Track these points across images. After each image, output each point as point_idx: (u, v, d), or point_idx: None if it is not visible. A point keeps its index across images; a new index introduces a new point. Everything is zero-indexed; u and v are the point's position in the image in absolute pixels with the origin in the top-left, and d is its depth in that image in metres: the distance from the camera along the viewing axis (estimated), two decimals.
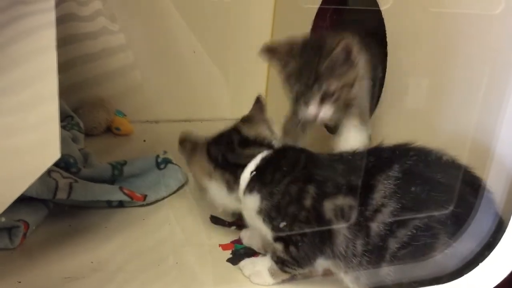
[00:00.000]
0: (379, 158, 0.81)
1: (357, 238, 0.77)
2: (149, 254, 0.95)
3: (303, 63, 1.00)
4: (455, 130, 0.89)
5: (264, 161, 0.88)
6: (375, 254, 0.76)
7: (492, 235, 0.71)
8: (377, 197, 0.76)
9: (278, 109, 1.21)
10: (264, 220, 0.85)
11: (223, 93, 1.69)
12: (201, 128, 1.61)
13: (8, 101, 0.70)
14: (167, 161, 1.22)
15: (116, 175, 1.15)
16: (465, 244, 0.71)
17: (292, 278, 0.88)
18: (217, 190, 0.93)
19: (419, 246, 0.72)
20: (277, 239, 0.85)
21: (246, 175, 0.88)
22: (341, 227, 0.78)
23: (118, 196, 1.07)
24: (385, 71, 1.11)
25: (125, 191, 1.08)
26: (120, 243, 0.97)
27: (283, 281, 0.88)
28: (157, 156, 1.23)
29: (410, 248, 0.73)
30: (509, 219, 0.70)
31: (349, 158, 0.85)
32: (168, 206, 1.13)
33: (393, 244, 0.74)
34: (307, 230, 0.81)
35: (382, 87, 1.12)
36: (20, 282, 0.83)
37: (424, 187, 0.75)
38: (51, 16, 0.72)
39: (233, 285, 0.89)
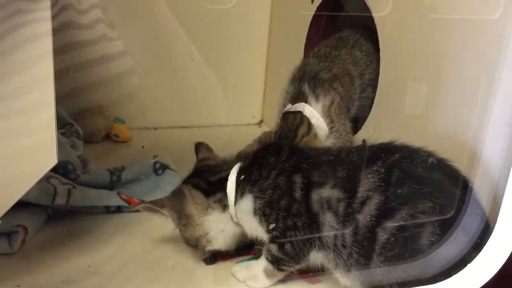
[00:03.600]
0: (362, 154, 0.83)
1: (345, 229, 0.78)
2: (146, 258, 0.96)
3: None
4: (446, 133, 0.90)
5: (247, 163, 0.90)
6: (364, 246, 0.77)
7: (479, 236, 0.72)
8: (363, 190, 0.78)
9: (275, 116, 1.22)
10: (260, 220, 0.86)
11: (221, 100, 1.70)
12: (199, 134, 1.63)
13: (5, 108, 0.71)
14: (164, 167, 1.24)
15: (114, 181, 1.17)
16: (453, 245, 0.72)
17: (287, 277, 0.89)
18: (218, 221, 0.91)
19: (406, 239, 0.74)
20: (272, 239, 0.85)
21: (230, 183, 0.89)
22: (329, 218, 0.80)
23: (116, 201, 1.09)
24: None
25: (123, 196, 1.10)
26: (118, 248, 0.98)
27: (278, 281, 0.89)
28: (155, 162, 1.24)
29: (398, 240, 0.74)
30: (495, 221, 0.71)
31: (335, 153, 0.87)
32: None
33: (381, 236, 0.75)
34: (299, 223, 0.82)
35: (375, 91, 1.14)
36: (19, 286, 0.84)
37: (407, 182, 0.76)
38: (48, 25, 0.74)
39: None
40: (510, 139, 0.75)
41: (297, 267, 0.87)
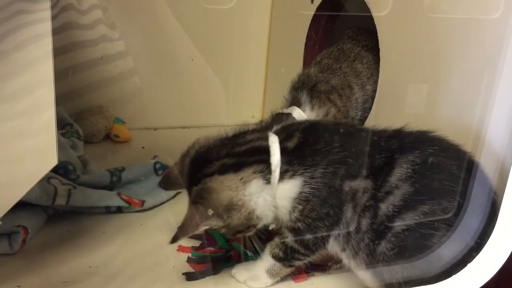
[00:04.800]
0: (402, 141, 0.82)
1: (365, 217, 0.79)
2: (147, 259, 0.96)
3: None
4: (447, 133, 0.90)
5: (296, 142, 0.83)
6: (379, 234, 0.77)
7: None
8: (393, 179, 0.77)
9: None
10: (295, 207, 0.81)
11: (221, 100, 1.70)
12: (200, 134, 1.62)
13: (5, 109, 0.71)
14: (165, 167, 1.24)
15: (114, 181, 1.17)
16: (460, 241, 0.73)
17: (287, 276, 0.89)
18: (259, 193, 0.81)
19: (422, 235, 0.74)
20: (292, 228, 0.82)
21: (276, 157, 0.81)
22: (352, 207, 0.80)
23: (116, 202, 1.09)
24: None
25: (123, 197, 1.10)
26: (118, 248, 0.98)
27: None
28: (155, 163, 1.25)
29: (414, 234, 0.75)
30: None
31: (375, 138, 0.84)
32: (166, 212, 1.14)
33: (397, 226, 0.76)
34: (331, 212, 0.81)
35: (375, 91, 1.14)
36: (19, 286, 0.84)
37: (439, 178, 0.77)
38: (48, 26, 0.74)
39: None
40: None
41: (309, 259, 0.86)
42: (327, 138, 0.83)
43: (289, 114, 1.10)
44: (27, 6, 0.75)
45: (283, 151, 0.82)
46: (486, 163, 0.79)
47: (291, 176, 0.81)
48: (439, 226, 0.74)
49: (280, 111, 1.12)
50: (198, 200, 0.81)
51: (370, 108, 1.18)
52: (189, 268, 0.93)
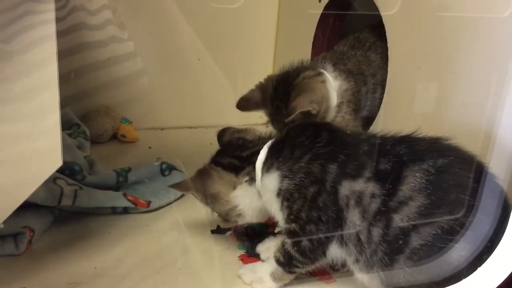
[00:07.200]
0: (412, 148, 0.78)
1: (375, 227, 0.75)
2: (153, 260, 0.95)
3: (274, 111, 1.11)
4: (456, 132, 0.89)
5: (279, 139, 0.87)
6: (393, 246, 0.74)
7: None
8: (406, 189, 0.74)
9: None
10: (282, 204, 0.83)
11: (228, 100, 1.69)
12: (206, 134, 1.62)
13: (11, 110, 0.71)
14: (171, 168, 1.24)
15: (121, 181, 1.17)
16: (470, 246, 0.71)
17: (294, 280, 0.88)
18: (245, 195, 0.90)
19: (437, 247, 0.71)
20: (289, 232, 0.83)
21: (261, 157, 0.86)
22: (357, 214, 0.76)
23: (122, 202, 1.08)
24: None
25: (129, 197, 1.10)
26: (124, 249, 0.98)
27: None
28: (162, 163, 1.24)
29: (428, 248, 0.71)
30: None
31: (379, 141, 0.82)
32: (172, 213, 1.13)
33: (415, 240, 0.72)
34: (323, 217, 0.79)
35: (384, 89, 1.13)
36: (25, 287, 0.84)
37: (456, 190, 0.73)
38: (53, 28, 0.74)
39: None
40: None
41: (311, 267, 0.85)
42: (311, 133, 0.85)
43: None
44: (35, 6, 0.75)
45: (269, 148, 0.87)
46: (497, 162, 0.77)
47: (268, 170, 0.85)
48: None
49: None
50: (201, 174, 0.93)
51: (379, 100, 1.17)
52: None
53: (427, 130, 0.96)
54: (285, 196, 0.82)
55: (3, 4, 0.72)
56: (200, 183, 0.93)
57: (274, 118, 1.11)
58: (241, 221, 0.94)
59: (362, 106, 1.18)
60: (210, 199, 0.92)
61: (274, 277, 0.86)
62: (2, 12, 0.72)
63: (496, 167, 0.76)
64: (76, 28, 1.49)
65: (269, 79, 1.15)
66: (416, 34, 1.02)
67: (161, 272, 0.91)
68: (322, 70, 1.10)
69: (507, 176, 0.76)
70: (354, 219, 0.77)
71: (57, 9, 1.30)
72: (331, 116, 1.09)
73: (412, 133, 0.81)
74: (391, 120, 1.11)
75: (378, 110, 1.15)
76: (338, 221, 0.78)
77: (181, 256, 0.98)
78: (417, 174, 0.74)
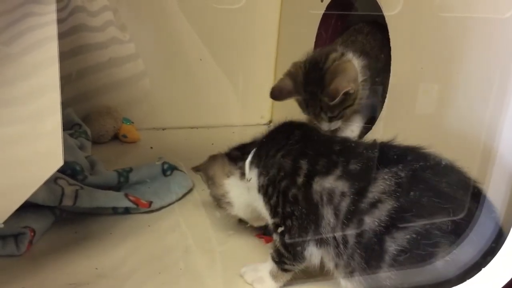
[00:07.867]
0: (386, 153, 0.78)
1: (348, 228, 0.74)
2: (154, 261, 0.95)
3: (308, 97, 1.12)
4: (459, 133, 0.89)
5: (263, 138, 0.93)
6: (369, 250, 0.73)
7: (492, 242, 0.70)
8: (375, 191, 0.73)
9: (284, 116, 1.21)
10: (263, 200, 0.87)
11: (230, 100, 1.70)
12: (208, 135, 1.62)
13: (13, 111, 0.71)
14: (173, 168, 1.23)
15: (122, 182, 1.16)
16: (465, 252, 0.70)
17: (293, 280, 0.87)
18: (236, 186, 0.96)
19: (418, 252, 0.69)
20: (274, 227, 0.85)
21: (250, 155, 0.92)
22: (329, 213, 0.77)
23: (123, 202, 1.08)
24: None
25: (131, 197, 1.09)
26: (125, 250, 0.98)
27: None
28: (163, 163, 1.24)
29: (408, 253, 0.70)
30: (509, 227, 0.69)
31: (352, 144, 0.86)
32: (174, 213, 1.13)
33: (390, 245, 0.71)
34: (296, 212, 0.80)
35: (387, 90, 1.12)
36: None
37: (427, 193, 0.72)
38: (54, 29, 0.74)
39: None
40: None
41: (299, 266, 0.84)
42: (286, 132, 0.90)
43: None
44: (36, 8, 0.75)
45: (257, 147, 0.93)
46: (499, 164, 0.77)
47: (251, 167, 0.91)
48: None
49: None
50: (211, 157, 1.02)
51: (381, 84, 1.16)
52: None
53: (430, 129, 0.97)
54: (263, 192, 0.87)
55: (4, 6, 0.72)
56: (207, 165, 1.02)
57: (308, 104, 1.12)
58: (230, 210, 0.99)
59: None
60: (210, 180, 1.01)
61: (273, 275, 0.86)
62: (3, 14, 0.72)
63: (499, 166, 0.76)
64: (77, 29, 1.49)
65: (296, 65, 1.15)
66: (418, 34, 1.02)
67: (163, 272, 0.91)
68: (344, 51, 1.12)
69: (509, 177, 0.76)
70: (328, 217, 0.77)
71: (58, 11, 1.30)
72: (359, 93, 1.12)
73: (390, 141, 0.82)
74: (392, 121, 1.10)
75: (380, 99, 1.15)
76: (312, 217, 0.79)
77: (182, 257, 0.97)
78: (386, 177, 0.73)
